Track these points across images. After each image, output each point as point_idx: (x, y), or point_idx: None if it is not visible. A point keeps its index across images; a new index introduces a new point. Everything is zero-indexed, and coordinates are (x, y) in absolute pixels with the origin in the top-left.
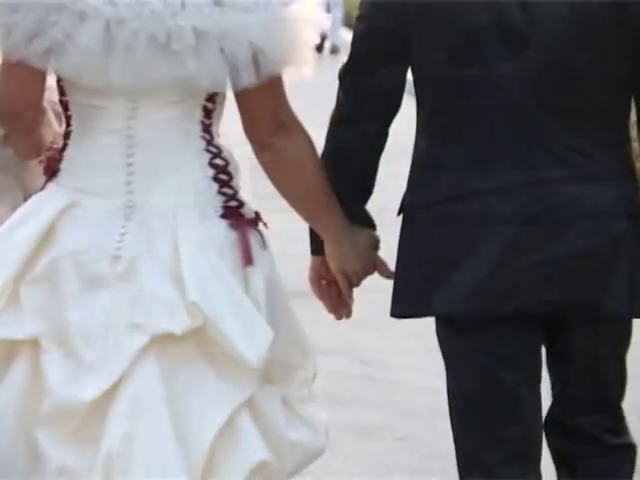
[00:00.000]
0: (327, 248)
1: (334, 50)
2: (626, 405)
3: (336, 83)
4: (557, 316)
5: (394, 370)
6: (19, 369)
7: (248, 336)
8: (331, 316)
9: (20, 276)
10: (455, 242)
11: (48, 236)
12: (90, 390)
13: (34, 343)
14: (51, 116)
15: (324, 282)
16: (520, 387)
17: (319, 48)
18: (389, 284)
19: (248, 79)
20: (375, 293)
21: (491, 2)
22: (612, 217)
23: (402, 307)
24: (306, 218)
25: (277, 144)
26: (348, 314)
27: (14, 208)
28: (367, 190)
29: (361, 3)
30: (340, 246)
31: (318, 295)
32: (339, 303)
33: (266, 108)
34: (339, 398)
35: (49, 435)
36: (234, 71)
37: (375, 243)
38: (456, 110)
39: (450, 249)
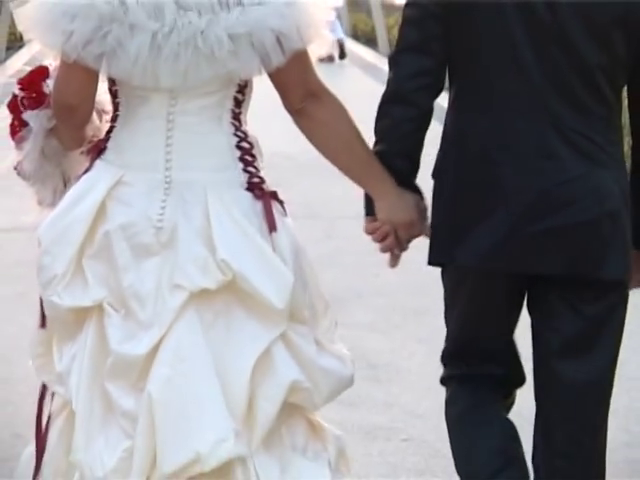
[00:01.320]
0: (376, 204)
1: (331, 58)
2: None
3: (343, 88)
4: (558, 279)
5: (399, 373)
6: (89, 331)
7: (273, 283)
8: (341, 319)
9: (82, 250)
10: (475, 205)
11: (101, 212)
12: (144, 345)
13: (99, 308)
14: (94, 113)
15: (376, 233)
16: (506, 318)
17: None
18: (393, 290)
19: (276, 60)
20: (380, 298)
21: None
22: (611, 194)
23: (433, 257)
24: (348, 174)
25: (308, 109)
26: (394, 264)
27: (54, 192)
28: (417, 163)
29: None
30: (386, 198)
31: (373, 238)
32: (389, 248)
33: (295, 79)
34: (346, 400)
35: (114, 385)
36: (264, 56)
37: (422, 207)
38: (483, 89)
39: (471, 211)
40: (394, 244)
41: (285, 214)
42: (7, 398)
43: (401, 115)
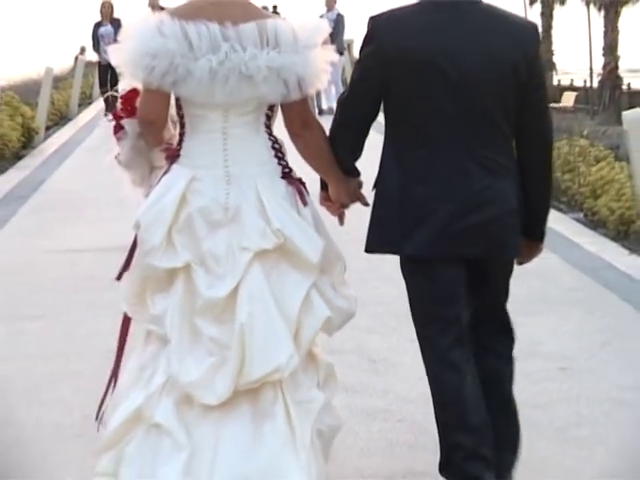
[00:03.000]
0: (330, 188)
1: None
2: None
3: None
4: (478, 259)
5: (395, 367)
6: (179, 284)
7: (310, 245)
8: (346, 324)
9: (171, 227)
10: (417, 212)
11: (182, 200)
12: (222, 291)
13: (186, 267)
14: (170, 123)
15: (328, 203)
16: (453, 293)
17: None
18: (389, 300)
19: (295, 96)
20: (379, 307)
21: (437, 63)
22: (509, 199)
23: (376, 247)
24: (320, 173)
25: (304, 135)
26: (341, 221)
27: (142, 176)
28: (356, 158)
29: (360, 54)
30: (338, 187)
31: (325, 207)
32: (337, 214)
33: (298, 112)
34: (351, 388)
35: (202, 319)
36: (286, 91)
37: (359, 183)
38: (416, 129)
39: (414, 216)
40: (339, 210)
41: (308, 194)
42: (81, 388)
43: (344, 137)
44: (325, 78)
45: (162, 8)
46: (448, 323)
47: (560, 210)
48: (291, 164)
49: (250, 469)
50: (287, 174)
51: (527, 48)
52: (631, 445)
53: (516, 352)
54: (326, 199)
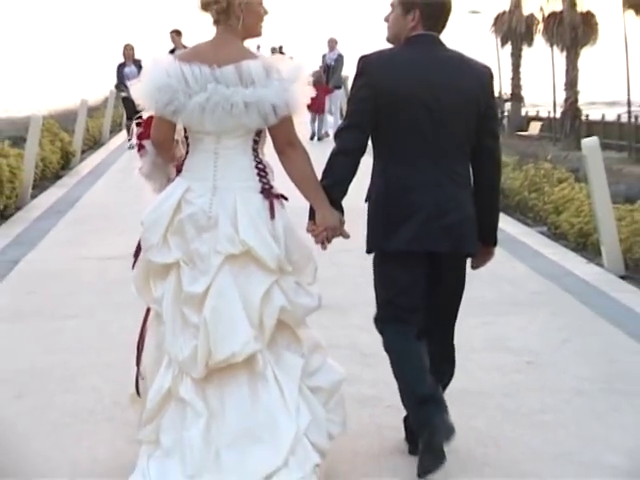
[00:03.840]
0: (317, 212)
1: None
2: None
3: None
4: (443, 254)
5: (384, 359)
6: (172, 277)
7: (268, 253)
8: (342, 322)
9: (167, 228)
10: (399, 215)
11: (178, 207)
12: (200, 288)
13: (177, 264)
14: (180, 143)
15: (313, 230)
16: (415, 285)
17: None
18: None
19: (271, 121)
20: (369, 307)
21: (420, 96)
22: (469, 205)
23: (373, 247)
24: (304, 195)
25: (287, 153)
26: (324, 247)
27: (161, 184)
28: (344, 193)
29: (353, 88)
30: (323, 212)
31: (311, 234)
32: (320, 241)
33: (281, 133)
34: (345, 378)
35: (187, 308)
36: (264, 117)
37: (342, 220)
38: (400, 150)
39: (397, 218)
40: (324, 239)
41: (283, 207)
42: (111, 377)
43: (343, 165)
44: (301, 106)
45: (179, 32)
46: (404, 310)
47: (527, 224)
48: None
49: (251, 423)
50: (266, 190)
51: (485, 85)
52: (587, 428)
53: (488, 347)
54: (312, 227)
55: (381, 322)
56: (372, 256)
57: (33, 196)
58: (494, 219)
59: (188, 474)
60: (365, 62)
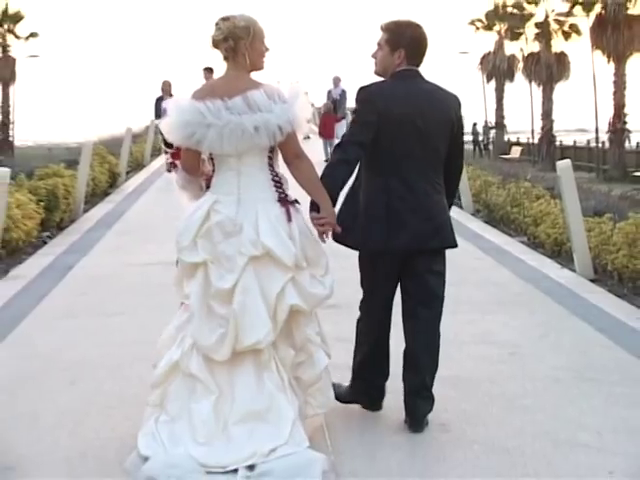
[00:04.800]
0: (321, 207)
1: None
2: None
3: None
4: (431, 248)
5: None
6: (199, 274)
7: (286, 253)
8: (350, 318)
9: (196, 234)
10: (397, 219)
11: (206, 216)
12: (227, 284)
13: (204, 264)
14: (207, 161)
15: (315, 221)
16: (391, 278)
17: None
18: None
19: (278, 139)
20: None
21: (413, 120)
22: (445, 210)
23: (373, 247)
24: (311, 195)
25: (295, 163)
26: (323, 240)
27: (195, 194)
28: (340, 192)
29: (357, 100)
30: (326, 209)
31: (312, 225)
32: (322, 231)
33: (289, 148)
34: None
35: (214, 302)
36: (271, 136)
37: (335, 214)
38: (392, 165)
39: (396, 222)
40: (324, 232)
41: (297, 211)
42: (151, 367)
43: (344, 171)
44: (303, 123)
45: (211, 70)
46: (386, 298)
47: (509, 235)
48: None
49: (259, 406)
50: (282, 199)
51: (457, 111)
52: (562, 411)
53: (476, 341)
54: (314, 218)
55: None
56: (361, 254)
57: (85, 210)
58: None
59: (199, 441)
60: (369, 92)
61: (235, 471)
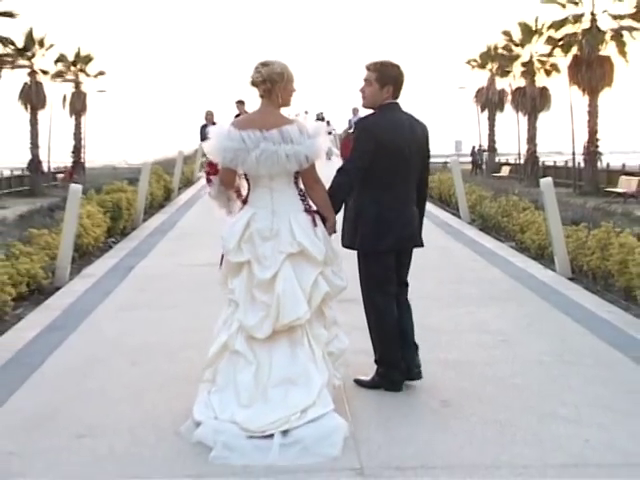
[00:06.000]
0: (328, 219)
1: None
2: None
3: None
4: (408, 248)
5: None
6: (244, 271)
7: (317, 250)
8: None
9: (240, 239)
10: (387, 226)
11: (247, 225)
12: (268, 275)
13: (248, 262)
14: (241, 177)
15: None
16: (392, 273)
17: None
18: None
19: (305, 166)
20: None
21: (401, 147)
22: (417, 217)
23: (366, 248)
24: (322, 210)
25: (314, 187)
26: (332, 234)
27: (225, 205)
28: (346, 198)
29: (357, 129)
30: (332, 220)
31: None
32: (330, 233)
33: (310, 174)
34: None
35: (257, 291)
36: (300, 164)
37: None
38: (386, 182)
39: (385, 227)
40: (330, 233)
41: (320, 219)
42: (201, 351)
43: (347, 191)
44: (323, 154)
45: (242, 102)
46: (388, 292)
47: (500, 241)
48: None
49: (291, 374)
50: (308, 209)
51: (427, 137)
52: (545, 388)
53: (473, 330)
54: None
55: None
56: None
57: (144, 220)
58: (421, 222)
59: (242, 404)
60: (368, 123)
61: (271, 436)
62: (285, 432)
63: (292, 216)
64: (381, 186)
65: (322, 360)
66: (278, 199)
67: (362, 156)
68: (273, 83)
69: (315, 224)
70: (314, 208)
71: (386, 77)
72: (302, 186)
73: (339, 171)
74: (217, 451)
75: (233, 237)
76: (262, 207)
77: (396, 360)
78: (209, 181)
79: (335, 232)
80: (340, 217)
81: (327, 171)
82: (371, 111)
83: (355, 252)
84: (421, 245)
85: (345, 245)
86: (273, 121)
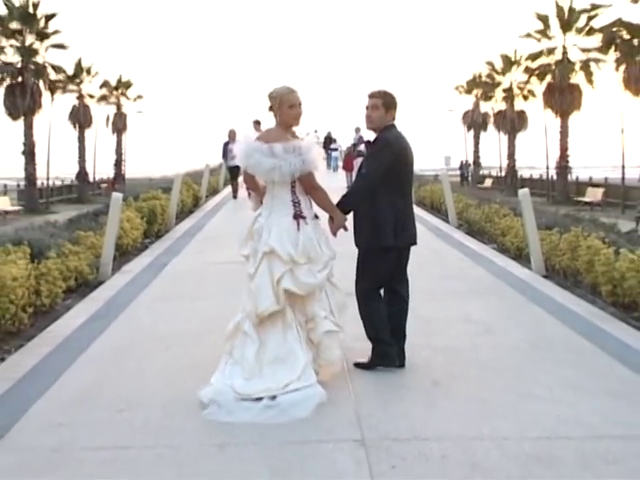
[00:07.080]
0: (335, 219)
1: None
2: None
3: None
4: (413, 244)
5: None
6: (252, 259)
7: (284, 252)
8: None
9: (247, 235)
10: (401, 227)
11: (253, 224)
12: (251, 270)
13: (247, 257)
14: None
15: (331, 227)
16: (391, 269)
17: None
18: None
19: (299, 174)
20: None
21: (408, 160)
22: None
23: (383, 244)
24: (325, 210)
25: (312, 193)
26: (335, 236)
27: (256, 208)
28: (364, 201)
29: (380, 144)
30: (337, 219)
31: (330, 229)
32: (335, 233)
33: (307, 182)
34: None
35: (247, 284)
36: (283, 176)
37: (346, 219)
38: (399, 190)
39: (400, 227)
40: (335, 232)
41: (307, 224)
42: (217, 342)
43: (368, 194)
44: (319, 164)
45: (258, 122)
46: (380, 287)
47: (484, 243)
48: None
49: (281, 353)
50: (297, 215)
51: (412, 151)
52: (523, 372)
53: (460, 320)
54: (330, 225)
55: (368, 289)
56: (366, 251)
57: (176, 224)
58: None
59: (245, 377)
60: (389, 140)
61: (260, 399)
62: (273, 397)
63: (279, 220)
64: (398, 192)
65: (306, 343)
66: (276, 204)
67: (382, 168)
68: (271, 105)
69: (298, 229)
70: (303, 214)
71: (389, 102)
72: (299, 194)
73: (361, 176)
74: (209, 408)
75: (243, 233)
76: (265, 209)
77: (387, 338)
78: (250, 193)
79: (347, 230)
80: (350, 221)
81: (328, 179)
82: (373, 132)
83: (354, 252)
84: (415, 243)
85: (359, 245)
86: (271, 137)
